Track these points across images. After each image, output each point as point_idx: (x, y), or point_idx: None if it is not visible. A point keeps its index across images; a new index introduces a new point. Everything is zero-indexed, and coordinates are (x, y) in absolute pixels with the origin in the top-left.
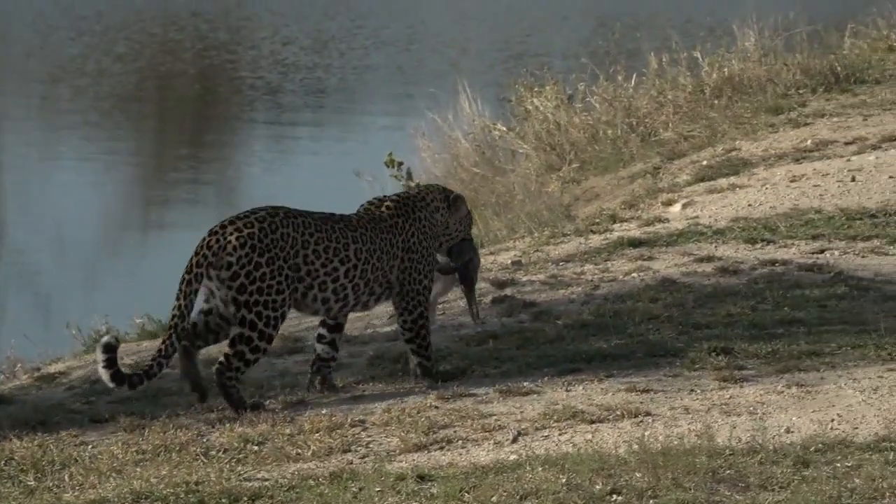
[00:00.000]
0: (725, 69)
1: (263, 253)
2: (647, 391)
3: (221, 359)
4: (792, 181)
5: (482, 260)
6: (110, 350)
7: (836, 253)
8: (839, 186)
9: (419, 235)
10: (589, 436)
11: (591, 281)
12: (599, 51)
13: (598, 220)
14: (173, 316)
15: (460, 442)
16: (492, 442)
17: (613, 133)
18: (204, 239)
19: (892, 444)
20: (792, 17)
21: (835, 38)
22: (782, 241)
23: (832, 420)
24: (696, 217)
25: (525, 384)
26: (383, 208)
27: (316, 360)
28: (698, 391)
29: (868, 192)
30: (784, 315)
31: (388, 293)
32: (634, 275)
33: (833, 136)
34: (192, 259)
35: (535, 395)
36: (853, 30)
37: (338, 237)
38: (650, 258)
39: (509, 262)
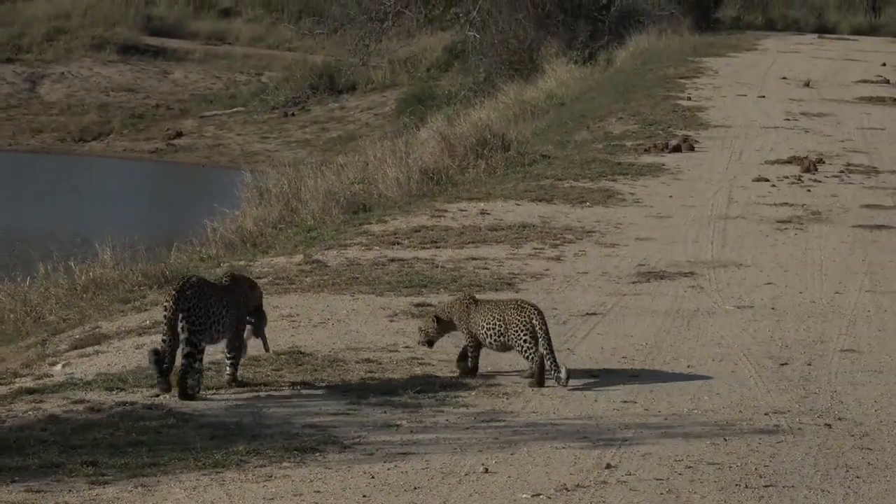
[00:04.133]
0: (91, 273)
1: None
2: None
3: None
4: (136, 348)
5: None
6: (158, 354)
7: None
8: None
9: (241, 302)
10: None
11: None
12: None
13: (4, 375)
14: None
15: None
16: None
17: (15, 317)
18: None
19: None
20: (136, 238)
21: (165, 251)
22: (131, 388)
23: None
24: (72, 373)
25: None
26: (224, 281)
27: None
28: None
29: None
30: None
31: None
32: (31, 413)
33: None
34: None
35: None
36: (178, 246)
37: (220, 295)
38: (41, 401)
39: None
